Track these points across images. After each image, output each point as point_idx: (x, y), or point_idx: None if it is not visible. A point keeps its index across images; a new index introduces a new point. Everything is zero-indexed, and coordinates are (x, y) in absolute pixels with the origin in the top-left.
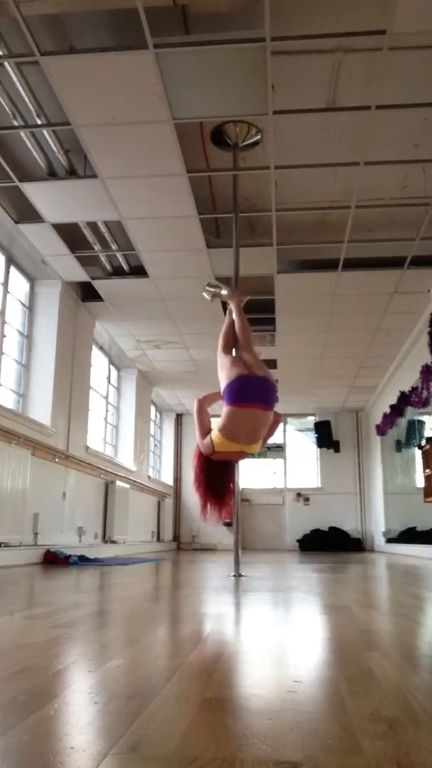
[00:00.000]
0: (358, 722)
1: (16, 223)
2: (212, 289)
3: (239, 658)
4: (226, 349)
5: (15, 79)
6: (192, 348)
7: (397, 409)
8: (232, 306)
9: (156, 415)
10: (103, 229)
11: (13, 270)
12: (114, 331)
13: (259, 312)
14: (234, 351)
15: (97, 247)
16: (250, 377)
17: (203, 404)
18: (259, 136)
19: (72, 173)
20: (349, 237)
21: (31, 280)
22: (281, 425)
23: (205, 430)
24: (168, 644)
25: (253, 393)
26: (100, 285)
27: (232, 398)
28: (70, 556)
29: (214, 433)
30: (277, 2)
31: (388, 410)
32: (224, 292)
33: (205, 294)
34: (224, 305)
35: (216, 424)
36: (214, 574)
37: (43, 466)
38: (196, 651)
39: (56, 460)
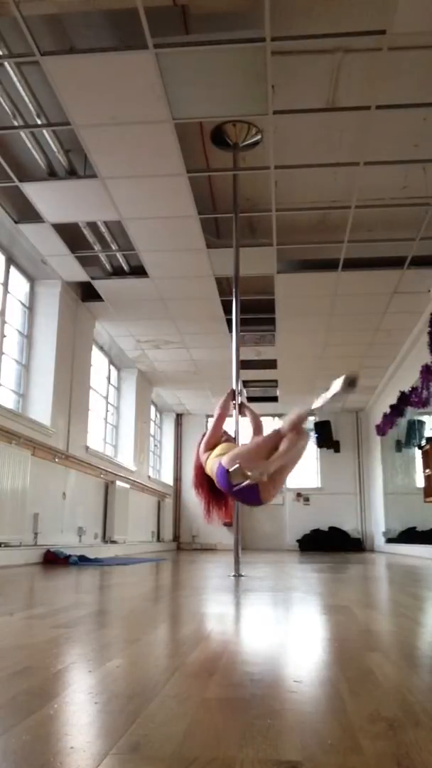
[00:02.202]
0: (358, 722)
1: (16, 223)
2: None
3: (239, 658)
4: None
5: (15, 79)
6: (192, 348)
7: (397, 409)
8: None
9: (156, 415)
10: (103, 229)
11: (13, 270)
12: (114, 331)
13: (259, 312)
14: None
15: (97, 247)
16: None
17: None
18: (259, 136)
19: (72, 173)
20: (349, 237)
21: (31, 280)
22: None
23: (209, 447)
24: (168, 644)
25: (240, 496)
26: (100, 285)
27: (222, 485)
28: (70, 556)
29: (209, 466)
30: (277, 2)
31: (388, 410)
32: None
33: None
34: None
35: (212, 459)
36: (214, 574)
37: (43, 466)
38: (196, 651)
39: (56, 460)
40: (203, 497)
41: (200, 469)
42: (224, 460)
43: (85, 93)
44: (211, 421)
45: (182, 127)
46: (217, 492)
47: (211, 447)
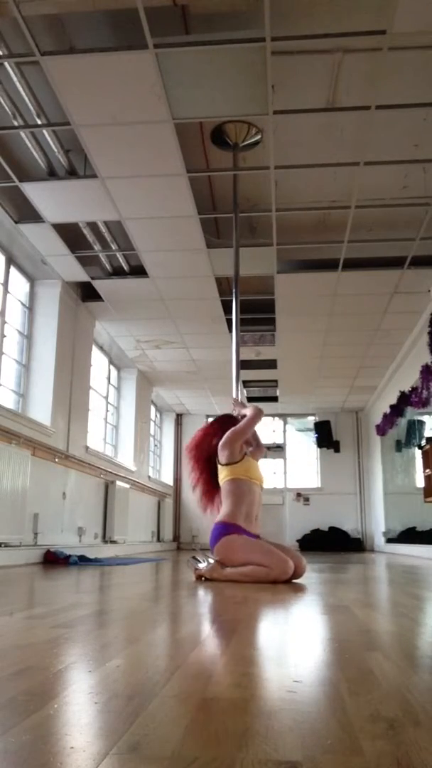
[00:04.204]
0: (358, 722)
1: (16, 223)
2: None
3: (239, 658)
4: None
5: (15, 79)
6: (192, 348)
7: (397, 409)
8: None
9: (156, 415)
10: (103, 229)
11: (13, 270)
12: (114, 331)
13: (259, 312)
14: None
15: (97, 247)
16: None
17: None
18: (259, 136)
19: (72, 173)
20: (349, 237)
21: (31, 280)
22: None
23: (235, 446)
24: (168, 644)
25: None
26: (100, 285)
27: (212, 538)
28: (70, 556)
29: (222, 475)
30: (277, 2)
31: (388, 410)
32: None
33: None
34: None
35: (225, 477)
36: None
37: (43, 466)
38: (196, 651)
39: (56, 460)
40: (201, 482)
41: (205, 452)
42: (219, 551)
43: (85, 93)
44: (246, 424)
45: (182, 127)
46: (214, 483)
47: (239, 449)
